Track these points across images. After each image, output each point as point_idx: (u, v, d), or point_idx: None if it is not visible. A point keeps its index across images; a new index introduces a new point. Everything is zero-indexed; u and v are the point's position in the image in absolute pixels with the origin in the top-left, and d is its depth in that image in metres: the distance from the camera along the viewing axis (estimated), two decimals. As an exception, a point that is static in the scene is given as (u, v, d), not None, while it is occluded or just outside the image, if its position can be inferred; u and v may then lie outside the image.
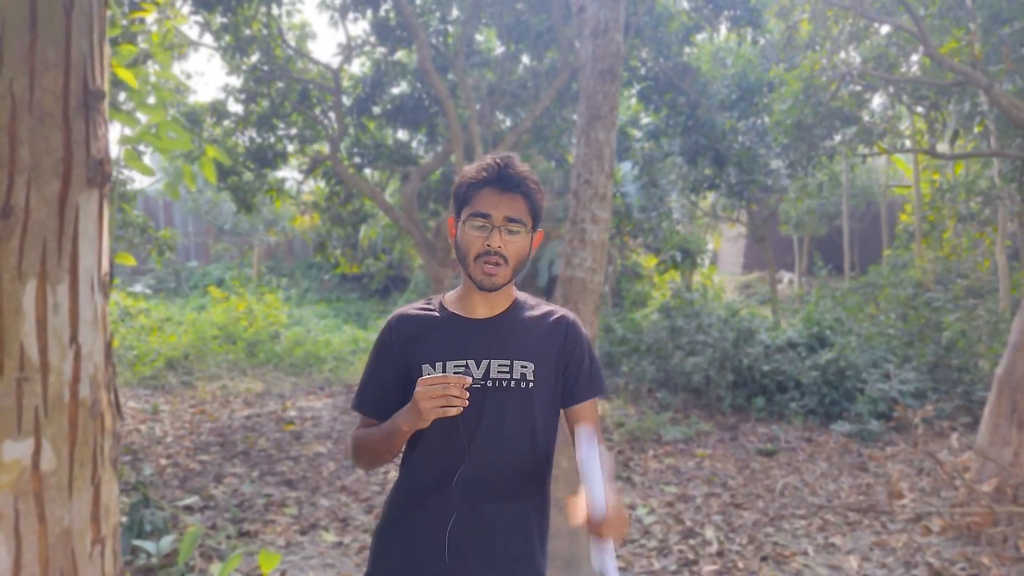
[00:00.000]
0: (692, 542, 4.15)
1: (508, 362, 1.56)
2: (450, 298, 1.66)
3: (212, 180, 2.67)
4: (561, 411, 1.66)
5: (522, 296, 1.68)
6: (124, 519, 3.47)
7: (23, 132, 1.07)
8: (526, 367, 1.56)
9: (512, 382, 1.55)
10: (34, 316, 1.12)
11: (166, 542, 3.30)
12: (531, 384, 1.56)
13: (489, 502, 1.56)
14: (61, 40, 1.07)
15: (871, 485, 5.15)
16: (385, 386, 1.61)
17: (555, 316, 1.65)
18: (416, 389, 1.42)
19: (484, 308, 1.60)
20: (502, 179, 1.53)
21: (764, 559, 3.91)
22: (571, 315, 1.68)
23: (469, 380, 1.41)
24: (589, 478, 1.36)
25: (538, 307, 1.66)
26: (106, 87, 1.17)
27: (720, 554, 3.98)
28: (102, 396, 1.25)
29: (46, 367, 1.15)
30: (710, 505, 4.79)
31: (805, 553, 4.00)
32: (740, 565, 3.82)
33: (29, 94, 1.06)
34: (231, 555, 3.07)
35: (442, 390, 1.39)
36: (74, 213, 1.14)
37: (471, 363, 1.55)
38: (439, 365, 1.55)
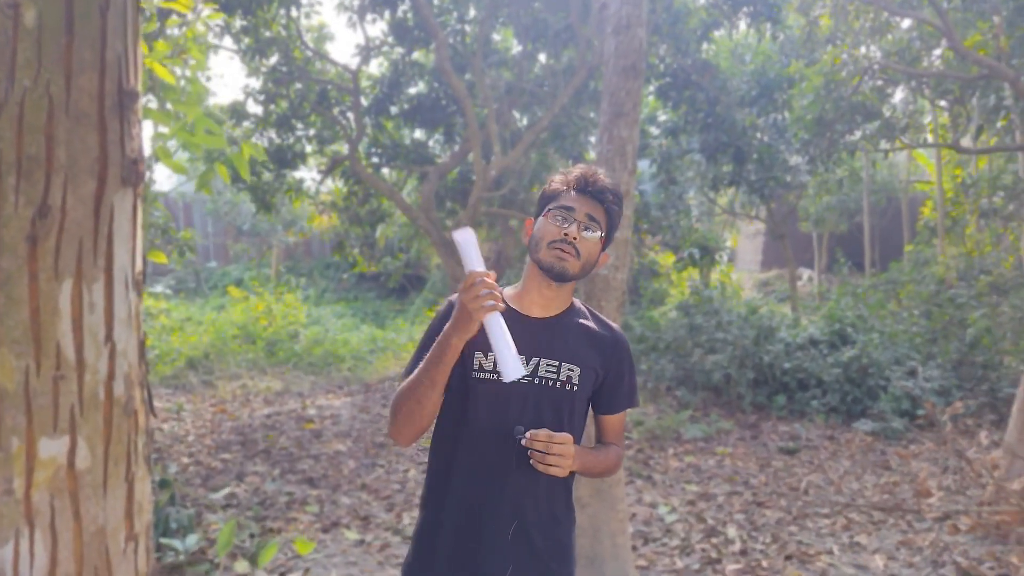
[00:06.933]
0: (715, 541, 4.12)
1: (557, 363, 1.59)
2: (508, 293, 1.68)
3: (246, 177, 2.69)
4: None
5: (579, 303, 1.71)
6: (151, 517, 3.50)
7: (60, 133, 1.08)
8: (573, 370, 1.60)
9: (558, 383, 1.59)
10: (70, 315, 1.13)
11: (192, 539, 3.33)
12: (575, 388, 1.60)
13: (530, 496, 1.60)
14: (97, 41, 1.08)
15: (896, 483, 5.09)
16: None
17: (607, 328, 1.69)
18: (460, 296, 1.43)
19: (540, 308, 1.64)
20: (591, 187, 1.60)
21: (788, 558, 3.88)
22: (621, 333, 1.72)
23: (494, 273, 1.43)
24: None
25: (592, 316, 1.70)
26: (140, 87, 1.18)
27: (743, 553, 3.95)
28: (135, 394, 1.26)
29: (82, 365, 1.15)
30: (732, 504, 4.76)
31: (830, 552, 3.96)
32: (764, 564, 3.79)
33: (66, 95, 1.07)
34: (266, 546, 3.10)
35: (482, 285, 1.40)
36: (109, 212, 1.14)
37: (521, 358, 1.56)
38: (491, 355, 1.56)
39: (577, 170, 1.64)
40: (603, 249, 1.65)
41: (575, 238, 1.55)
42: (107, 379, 1.16)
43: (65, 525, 1.12)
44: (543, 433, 1.47)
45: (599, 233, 1.60)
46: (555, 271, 1.56)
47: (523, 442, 1.49)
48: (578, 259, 1.57)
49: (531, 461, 1.49)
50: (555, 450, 1.46)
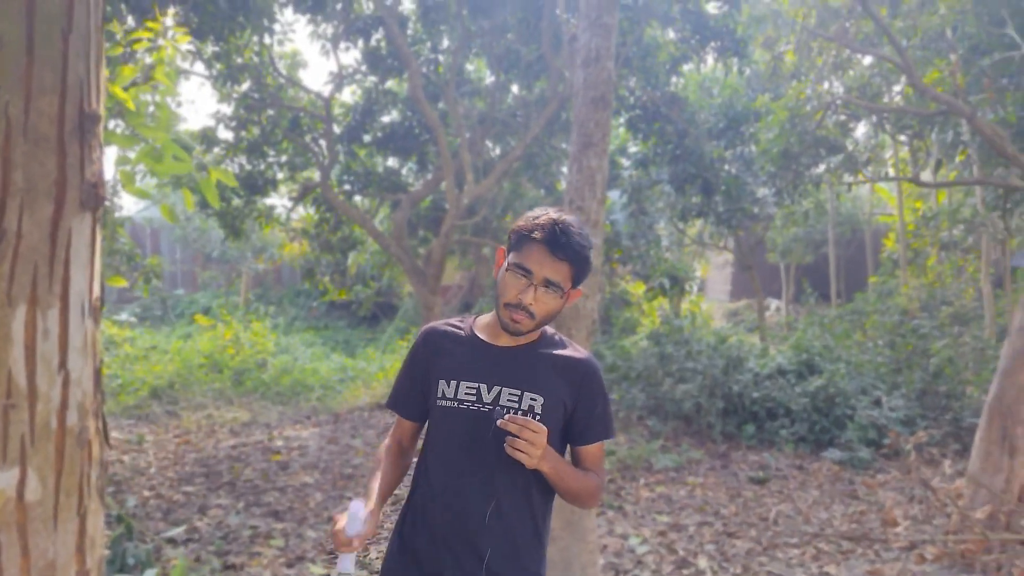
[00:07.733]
0: (686, 572, 4.10)
1: (519, 392, 1.61)
2: (480, 322, 1.73)
3: (214, 203, 2.66)
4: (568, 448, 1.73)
5: (551, 331, 1.72)
6: (107, 552, 3.39)
7: (17, 156, 1.06)
8: (535, 399, 1.60)
9: (519, 412, 1.60)
10: (23, 342, 1.10)
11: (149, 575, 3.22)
12: (537, 417, 1.60)
13: (494, 522, 1.62)
14: (58, 63, 1.06)
15: (863, 512, 5.13)
16: (413, 390, 1.74)
17: (576, 357, 1.68)
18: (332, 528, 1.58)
19: (508, 338, 1.65)
20: (555, 244, 1.54)
21: (759, 589, 3.86)
22: (593, 360, 1.71)
23: (354, 546, 1.50)
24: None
25: (562, 345, 1.70)
26: (102, 111, 1.16)
27: (714, 584, 3.93)
28: (90, 424, 1.22)
29: (34, 394, 1.12)
30: (703, 534, 4.74)
31: (800, 582, 3.95)
32: (735, 595, 3.77)
33: (24, 117, 1.05)
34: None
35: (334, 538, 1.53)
36: (66, 237, 1.12)
37: (483, 387, 1.61)
38: (453, 383, 1.63)
39: (547, 222, 1.55)
40: (572, 289, 1.62)
41: (530, 303, 1.55)
42: (60, 408, 1.12)
43: (12, 561, 1.08)
44: (520, 417, 1.49)
45: (560, 292, 1.57)
46: (510, 331, 1.60)
47: (499, 422, 1.50)
48: (534, 319, 1.58)
49: (505, 445, 1.51)
50: (527, 435, 1.47)
